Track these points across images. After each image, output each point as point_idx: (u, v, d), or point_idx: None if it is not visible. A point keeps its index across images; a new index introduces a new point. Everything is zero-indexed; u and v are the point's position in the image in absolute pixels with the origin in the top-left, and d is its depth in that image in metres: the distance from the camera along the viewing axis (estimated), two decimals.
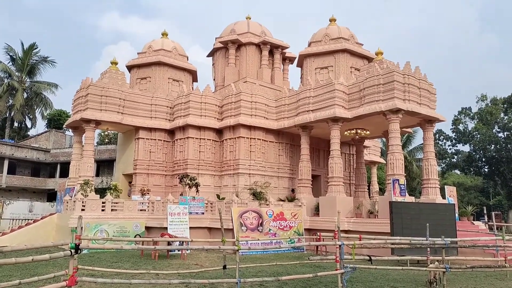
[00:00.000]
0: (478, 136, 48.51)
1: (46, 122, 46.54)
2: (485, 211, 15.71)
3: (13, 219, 22.15)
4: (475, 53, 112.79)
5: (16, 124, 45.83)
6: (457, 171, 52.95)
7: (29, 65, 41.99)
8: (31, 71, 42.68)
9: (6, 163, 33.56)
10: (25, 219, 21.71)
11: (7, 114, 42.34)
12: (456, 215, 16.88)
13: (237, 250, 6.08)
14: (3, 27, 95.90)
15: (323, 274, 7.02)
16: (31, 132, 45.93)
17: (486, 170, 50.67)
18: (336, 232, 7.69)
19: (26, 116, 44.51)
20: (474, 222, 17.16)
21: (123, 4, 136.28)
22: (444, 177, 46.43)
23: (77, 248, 5.12)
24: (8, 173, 33.71)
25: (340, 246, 7.01)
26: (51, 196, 35.16)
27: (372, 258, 8.20)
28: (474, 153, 50.79)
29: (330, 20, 22.64)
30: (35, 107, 43.89)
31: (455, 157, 54.67)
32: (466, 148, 53.12)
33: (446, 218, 13.32)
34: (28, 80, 42.75)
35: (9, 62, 41.90)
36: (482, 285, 9.22)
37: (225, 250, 6.75)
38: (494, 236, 11.52)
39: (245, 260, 12.67)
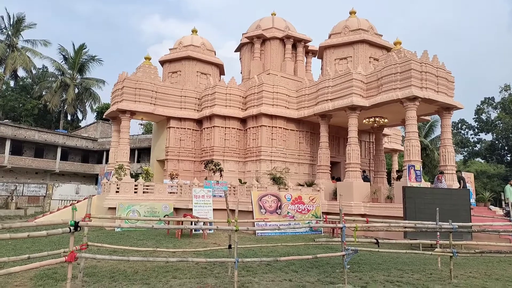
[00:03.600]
0: (501, 125, 45.61)
1: (95, 114, 47.98)
2: (502, 197, 14.50)
3: (61, 200, 22.96)
4: (504, 46, 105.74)
5: (69, 117, 47.51)
6: (480, 159, 50.15)
7: (80, 64, 43.29)
8: (81, 69, 44.00)
9: (59, 150, 34.85)
10: (72, 200, 22.41)
11: (61, 108, 43.92)
12: (473, 201, 15.75)
13: (236, 231, 5.69)
14: (57, 31, 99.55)
15: (323, 255, 6.54)
16: (82, 124, 47.50)
17: (509, 158, 47.65)
18: (343, 215, 7.18)
19: (78, 109, 46.05)
20: (491, 208, 15.94)
21: (164, 8, 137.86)
22: (467, 165, 44.10)
23: (76, 226, 4.90)
24: (61, 159, 35.02)
25: (341, 228, 6.48)
26: (98, 180, 36.27)
27: (382, 241, 7.63)
28: (496, 142, 47.85)
29: (350, 13, 21.56)
30: (85, 101, 45.33)
31: (477, 145, 51.74)
32: (488, 137, 50.18)
33: (460, 203, 12.36)
34: (78, 77, 44.09)
35: (62, 61, 43.40)
36: (493, 270, 8.40)
37: (228, 230, 6.38)
38: (509, 222, 10.53)
39: (262, 241, 12.35)
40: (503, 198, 14.92)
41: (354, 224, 6.86)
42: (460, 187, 15.14)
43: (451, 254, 7.11)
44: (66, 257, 4.90)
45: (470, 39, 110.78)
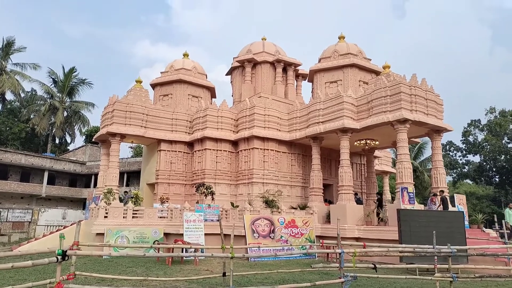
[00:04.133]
0: (488, 147, 46.37)
1: (84, 137, 47.40)
2: (495, 219, 14.48)
3: (47, 226, 22.24)
4: (486, 68, 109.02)
5: (57, 140, 46.84)
6: (468, 181, 50.63)
7: (69, 87, 43.11)
8: (70, 92, 43.78)
9: (46, 174, 34.10)
10: (58, 226, 21.72)
11: (49, 131, 43.33)
12: (466, 223, 15.69)
13: (231, 258, 5.47)
14: (48, 54, 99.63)
15: (322, 283, 6.30)
16: (70, 147, 46.83)
17: (497, 179, 48.21)
18: (341, 240, 7.00)
19: (66, 132, 45.49)
20: (484, 230, 15.90)
21: (154, 32, 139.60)
22: (456, 187, 44.38)
23: (64, 255, 4.64)
24: (47, 184, 34.21)
25: (340, 254, 6.29)
26: (86, 204, 35.42)
27: (381, 266, 7.44)
28: (484, 163, 48.50)
29: (339, 38, 22.02)
30: (74, 124, 44.88)
31: (466, 167, 52.35)
32: (476, 158, 50.87)
33: (455, 225, 12.26)
34: (68, 100, 43.82)
35: (51, 84, 43.17)
36: None
37: (224, 257, 6.13)
38: (504, 244, 10.43)
39: (255, 267, 12.00)
40: (505, 220, 14.80)
41: (351, 249, 6.69)
42: (441, 207, 14.95)
43: (451, 279, 6.95)
44: None
45: (454, 63, 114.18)
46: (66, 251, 4.69)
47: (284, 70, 24.81)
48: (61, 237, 4.85)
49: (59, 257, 4.60)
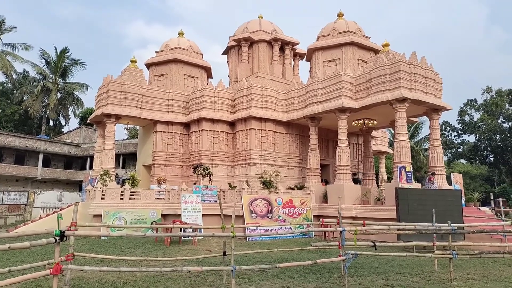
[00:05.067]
0: (484, 126, 46.51)
1: (79, 119, 46.87)
2: (491, 198, 14.60)
3: (43, 208, 22.16)
4: (483, 48, 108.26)
5: (51, 122, 46.29)
6: (463, 161, 50.99)
7: (62, 68, 42.23)
8: (63, 73, 42.92)
9: (41, 157, 33.81)
10: (54, 208, 21.64)
11: (43, 113, 42.75)
12: (463, 201, 15.81)
13: (232, 237, 5.40)
14: (39, 36, 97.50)
15: (323, 261, 6.28)
16: (65, 129, 46.34)
17: (491, 159, 48.62)
18: (335, 218, 6.96)
19: (60, 114, 44.89)
20: (480, 208, 16.03)
21: (148, 13, 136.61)
22: (450, 166, 44.74)
23: (62, 235, 4.53)
24: (43, 166, 33.96)
25: (341, 232, 6.25)
26: (81, 187, 35.34)
27: (378, 244, 7.43)
28: (479, 143, 48.76)
29: (338, 15, 21.57)
30: (68, 106, 44.22)
31: (461, 147, 52.63)
32: (471, 138, 51.13)
33: (452, 204, 12.32)
34: (61, 81, 43.00)
35: (44, 65, 42.23)
36: (490, 271, 8.31)
37: (224, 236, 6.07)
38: (501, 222, 10.50)
39: (253, 246, 12.04)
40: (491, 198, 14.99)
41: (352, 227, 6.66)
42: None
43: (451, 256, 6.96)
44: (51, 269, 4.52)
45: (449, 41, 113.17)
46: (64, 231, 4.58)
47: (282, 49, 24.40)
48: (59, 218, 4.74)
49: (57, 238, 4.49)
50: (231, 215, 6.61)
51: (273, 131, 19.94)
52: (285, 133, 20.46)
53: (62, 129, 46.98)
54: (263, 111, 19.61)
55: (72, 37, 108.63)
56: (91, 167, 34.53)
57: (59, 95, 42.27)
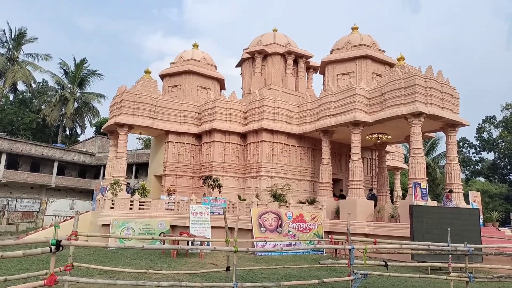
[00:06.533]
0: (503, 144, 45.24)
1: (94, 128, 47.62)
2: (511, 218, 14.02)
3: (55, 216, 22.32)
4: (503, 63, 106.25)
5: (67, 131, 47.14)
6: (481, 179, 49.55)
7: (80, 78, 43.17)
8: (81, 83, 43.85)
9: (55, 165, 34.34)
10: (66, 216, 21.78)
11: (60, 122, 43.60)
12: (481, 221, 15.20)
13: (235, 252, 5.20)
14: (59, 46, 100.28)
15: (330, 280, 6.00)
16: (81, 138, 47.10)
17: (511, 177, 47.10)
18: (350, 236, 6.68)
19: (76, 124, 45.70)
20: (499, 228, 15.38)
21: (167, 26, 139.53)
22: (468, 184, 43.46)
23: (58, 245, 4.41)
24: (57, 174, 34.44)
25: (350, 250, 5.97)
26: (94, 195, 35.63)
27: (390, 263, 7.10)
28: (498, 161, 47.39)
29: (353, 29, 21.46)
30: (84, 115, 45.03)
31: (479, 164, 51.25)
32: (490, 156, 49.75)
33: (470, 223, 11.82)
34: (78, 91, 43.91)
35: (62, 75, 43.26)
36: None
37: (227, 251, 5.87)
38: None
39: (261, 261, 11.74)
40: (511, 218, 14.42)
41: (362, 245, 6.37)
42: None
43: (467, 279, 6.58)
44: (45, 280, 4.39)
45: (469, 55, 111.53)
46: (60, 241, 4.46)
47: (295, 62, 24.37)
48: (56, 227, 4.63)
49: (53, 248, 4.37)
50: (239, 228, 6.40)
51: (285, 143, 19.75)
52: (297, 146, 20.24)
53: (78, 138, 47.81)
54: (275, 124, 19.47)
55: (91, 48, 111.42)
56: (104, 176, 34.95)
57: (76, 105, 43.14)
